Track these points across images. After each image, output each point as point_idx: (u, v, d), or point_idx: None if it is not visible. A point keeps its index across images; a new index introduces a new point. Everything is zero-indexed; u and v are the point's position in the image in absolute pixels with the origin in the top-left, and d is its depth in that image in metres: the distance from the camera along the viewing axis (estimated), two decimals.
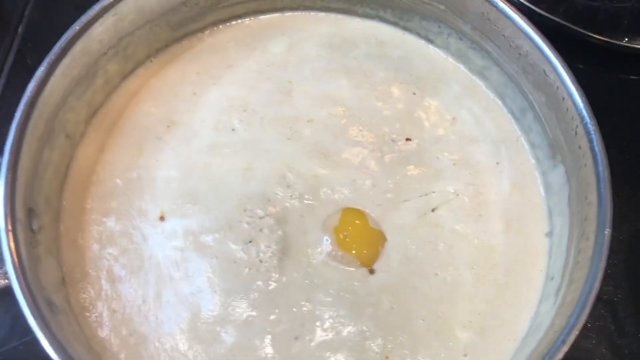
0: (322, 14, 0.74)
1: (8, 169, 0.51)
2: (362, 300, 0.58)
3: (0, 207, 0.49)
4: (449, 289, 0.59)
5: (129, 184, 0.62)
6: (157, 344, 0.55)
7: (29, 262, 0.50)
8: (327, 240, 0.60)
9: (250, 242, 0.59)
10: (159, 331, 0.56)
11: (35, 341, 0.46)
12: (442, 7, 0.68)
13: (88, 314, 0.56)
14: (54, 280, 0.54)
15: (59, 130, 0.60)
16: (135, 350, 0.55)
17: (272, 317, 0.56)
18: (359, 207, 0.62)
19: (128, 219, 0.61)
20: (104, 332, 0.56)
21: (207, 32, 0.72)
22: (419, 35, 0.73)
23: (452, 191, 0.64)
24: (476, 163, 0.66)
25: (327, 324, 0.56)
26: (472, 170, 0.65)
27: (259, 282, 0.58)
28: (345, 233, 0.59)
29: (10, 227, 0.49)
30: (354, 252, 0.59)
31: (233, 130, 0.66)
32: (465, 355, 0.56)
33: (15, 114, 0.54)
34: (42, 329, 0.46)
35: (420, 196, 0.63)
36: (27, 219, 0.52)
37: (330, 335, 0.56)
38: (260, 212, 0.61)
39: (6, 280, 0.48)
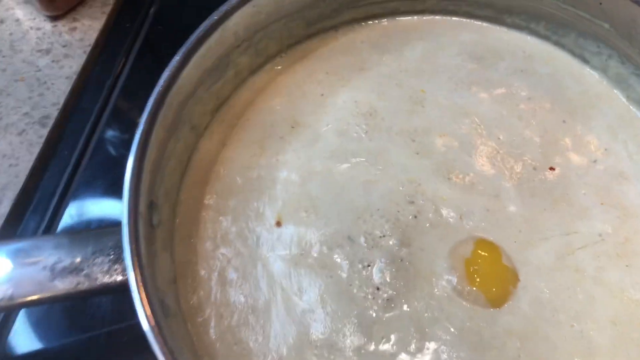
0: (465, 21, 0.69)
1: (135, 160, 0.49)
2: (486, 342, 0.52)
3: (125, 200, 0.48)
4: (586, 345, 0.52)
5: (249, 183, 0.60)
6: (261, 358, 0.52)
7: (147, 260, 0.48)
8: (454, 272, 0.54)
9: (368, 265, 0.55)
10: (265, 346, 0.53)
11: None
12: (606, 25, 0.60)
13: (197, 317, 0.54)
14: (167, 279, 0.53)
15: (186, 121, 0.58)
16: None
17: (389, 351, 0.52)
18: (491, 239, 0.56)
19: (244, 220, 0.58)
20: (210, 338, 0.53)
21: (340, 30, 0.68)
22: (572, 53, 0.66)
23: (598, 234, 0.57)
24: (628, 205, 0.58)
25: None
26: (622, 213, 0.58)
27: (374, 309, 0.54)
28: (476, 267, 0.54)
29: (132, 222, 0.47)
30: (483, 288, 0.54)
31: (358, 137, 0.62)
32: None
33: (147, 104, 0.52)
34: (155, 336, 0.44)
35: (561, 235, 0.57)
36: (148, 213, 0.51)
37: None
38: (380, 231, 0.57)
39: (124, 277, 0.46)
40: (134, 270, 0.45)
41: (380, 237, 0.57)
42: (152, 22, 0.78)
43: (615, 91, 0.64)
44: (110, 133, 0.72)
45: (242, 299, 0.55)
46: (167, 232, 0.55)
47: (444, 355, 0.52)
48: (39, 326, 0.61)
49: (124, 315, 0.60)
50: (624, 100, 0.63)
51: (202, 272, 0.56)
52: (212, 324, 0.54)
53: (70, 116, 0.72)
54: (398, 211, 0.58)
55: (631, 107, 0.63)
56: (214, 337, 0.53)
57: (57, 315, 0.61)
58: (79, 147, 0.70)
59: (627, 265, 0.55)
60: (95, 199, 0.68)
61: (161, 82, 0.53)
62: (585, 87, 0.64)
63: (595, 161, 0.60)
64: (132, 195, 0.48)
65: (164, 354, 0.43)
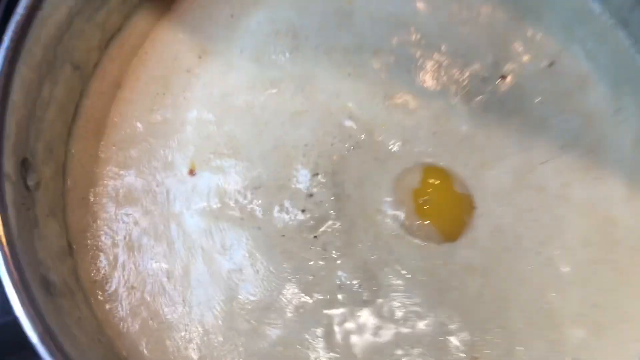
0: None
1: None
2: (444, 283, 0.45)
3: None
4: (556, 273, 0.46)
5: (152, 128, 0.51)
6: (183, 332, 0.44)
7: (19, 230, 0.38)
8: (401, 206, 0.47)
9: (302, 210, 0.47)
10: (186, 316, 0.45)
11: None
12: None
13: (100, 291, 0.45)
14: (56, 250, 0.43)
15: (64, 59, 0.47)
16: (158, 338, 0.44)
17: (328, 305, 0.44)
18: (440, 164, 0.48)
19: (150, 172, 0.49)
20: (119, 314, 0.45)
21: None
22: None
23: (560, 146, 0.49)
24: (590, 110, 0.51)
25: (398, 314, 0.44)
26: (584, 120, 0.50)
27: (314, 259, 0.46)
28: (425, 198, 0.46)
29: None
30: (434, 222, 0.46)
31: (279, 62, 0.53)
32: None
33: (3, 39, 0.41)
34: (30, 319, 0.35)
35: (518, 152, 0.49)
36: (19, 174, 0.41)
37: (403, 329, 0.44)
38: (313, 168, 0.48)
39: None
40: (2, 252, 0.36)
41: (314, 175, 0.48)
42: None
43: None
44: None
45: (156, 265, 0.46)
46: (53, 194, 0.45)
47: (396, 302, 0.44)
48: None
49: None
50: None
51: (104, 239, 0.47)
52: (121, 298, 0.45)
53: None
54: (332, 144, 0.49)
55: (588, 0, 0.55)
56: (124, 313, 0.45)
57: None
58: None
59: (594, 178, 0.48)
60: None
61: (20, 10, 0.42)
62: None
63: (551, 64, 0.52)
64: None
65: (40, 336, 0.34)
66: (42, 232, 0.42)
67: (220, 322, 0.44)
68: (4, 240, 0.36)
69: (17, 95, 0.42)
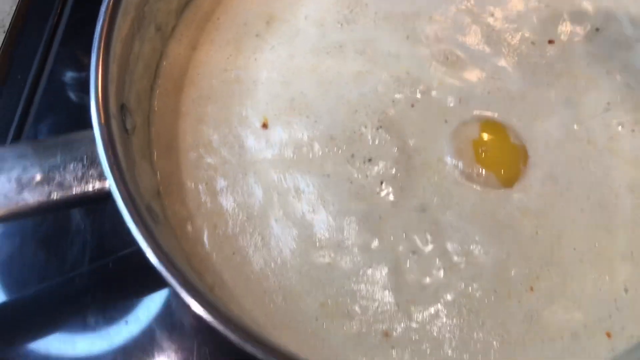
0: None
1: (98, 55, 0.44)
2: (501, 224, 0.49)
3: (93, 97, 0.42)
4: (606, 215, 0.49)
5: (227, 86, 0.54)
6: (264, 265, 0.48)
7: (126, 165, 0.42)
8: (460, 156, 0.50)
9: (369, 159, 0.51)
10: (266, 252, 0.48)
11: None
12: None
13: (188, 229, 0.49)
14: (150, 190, 0.47)
15: (150, 19, 0.52)
16: (240, 271, 0.48)
17: (393, 243, 0.48)
18: (496, 118, 0.52)
19: (227, 125, 0.53)
20: (204, 249, 0.49)
21: None
22: None
23: (607, 102, 0.53)
24: (635, 70, 0.55)
25: (460, 251, 0.48)
26: (632, 80, 0.54)
27: (379, 204, 0.50)
28: (484, 148, 0.50)
29: (105, 121, 0.41)
30: (493, 169, 0.50)
31: (342, 27, 0.57)
32: (626, 290, 0.47)
33: None
34: (144, 236, 0.38)
35: (567, 108, 0.53)
36: (120, 116, 0.45)
37: (464, 264, 0.48)
38: (376, 123, 0.52)
39: (102, 183, 0.41)
40: (113, 173, 0.40)
41: (378, 129, 0.52)
42: None
43: None
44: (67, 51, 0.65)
45: (236, 207, 0.50)
46: (143, 140, 0.49)
47: (457, 243, 0.48)
48: (9, 272, 0.55)
49: (102, 247, 0.55)
50: None
51: (188, 183, 0.51)
52: (206, 234, 0.49)
53: (20, 36, 0.65)
54: (393, 101, 0.53)
55: None
56: (209, 248, 0.49)
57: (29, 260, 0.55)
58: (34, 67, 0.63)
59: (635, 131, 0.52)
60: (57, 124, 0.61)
61: None
62: None
63: (597, 29, 0.56)
64: (102, 92, 0.42)
65: (160, 259, 0.38)
66: (139, 171, 0.46)
67: (297, 256, 0.48)
68: (115, 169, 0.40)
69: (116, 47, 0.46)
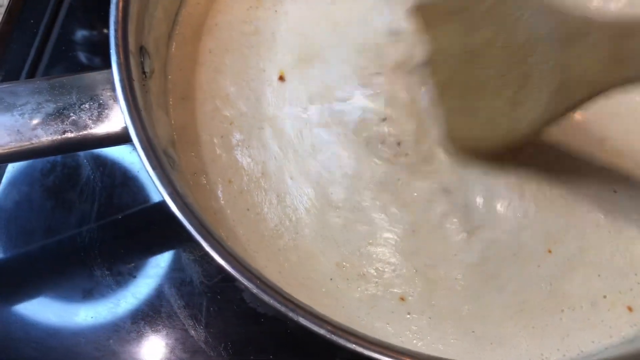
0: None
1: None
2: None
3: (112, 30, 0.40)
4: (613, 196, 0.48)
5: (245, 38, 0.53)
6: (278, 223, 0.47)
7: (144, 107, 0.40)
8: None
9: (383, 119, 0.49)
10: (281, 210, 0.47)
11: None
12: None
13: (202, 181, 0.47)
14: (166, 137, 0.46)
15: None
16: (255, 228, 0.47)
17: (412, 206, 0.47)
18: None
19: (244, 78, 0.51)
20: (218, 203, 0.47)
21: None
22: None
23: None
24: None
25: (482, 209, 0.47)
26: None
27: (398, 165, 0.48)
28: None
29: (123, 58, 0.40)
30: None
31: None
32: None
33: None
34: (162, 182, 0.37)
35: None
36: (139, 57, 0.43)
37: (483, 226, 0.47)
38: (391, 80, 0.51)
39: (119, 124, 0.39)
40: (132, 114, 0.38)
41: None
42: None
43: None
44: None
45: (251, 163, 0.48)
46: (159, 87, 0.48)
47: (480, 199, 0.47)
48: (15, 220, 0.53)
49: (111, 203, 0.53)
50: None
51: (204, 136, 0.49)
52: (220, 189, 0.47)
53: None
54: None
55: None
56: (223, 202, 0.47)
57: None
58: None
59: None
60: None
61: None
62: None
63: None
64: (122, 30, 0.40)
65: (178, 206, 0.36)
66: (156, 118, 0.44)
67: (313, 216, 0.47)
68: (133, 109, 0.38)
69: None
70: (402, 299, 0.45)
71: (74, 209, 0.53)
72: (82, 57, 0.62)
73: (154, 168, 0.37)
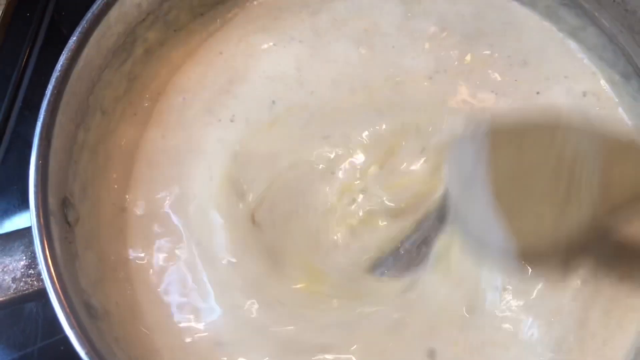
0: None
1: (39, 155, 0.45)
2: None
3: (32, 198, 0.43)
4: None
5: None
6: None
7: (65, 261, 0.44)
8: None
9: None
10: None
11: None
12: None
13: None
14: (93, 279, 0.48)
15: (96, 107, 0.53)
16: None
17: None
18: None
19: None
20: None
21: None
22: None
23: None
24: None
25: None
26: None
27: None
28: None
29: (43, 222, 0.43)
30: None
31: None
32: None
33: (46, 92, 0.47)
34: (79, 339, 0.40)
35: None
36: (61, 211, 0.46)
37: None
38: None
39: (40, 283, 0.42)
40: (50, 275, 0.41)
41: None
42: (55, 7, 0.72)
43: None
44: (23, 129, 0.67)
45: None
46: (89, 229, 0.51)
47: None
48: None
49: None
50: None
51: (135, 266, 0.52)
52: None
53: None
54: None
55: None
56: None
57: None
58: None
59: None
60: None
61: (58, 67, 0.48)
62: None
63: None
64: (40, 192, 0.44)
65: (90, 357, 0.39)
66: (82, 264, 0.47)
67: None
68: (52, 271, 0.41)
69: (57, 141, 0.47)
70: None
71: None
72: None
73: (71, 328, 0.40)
